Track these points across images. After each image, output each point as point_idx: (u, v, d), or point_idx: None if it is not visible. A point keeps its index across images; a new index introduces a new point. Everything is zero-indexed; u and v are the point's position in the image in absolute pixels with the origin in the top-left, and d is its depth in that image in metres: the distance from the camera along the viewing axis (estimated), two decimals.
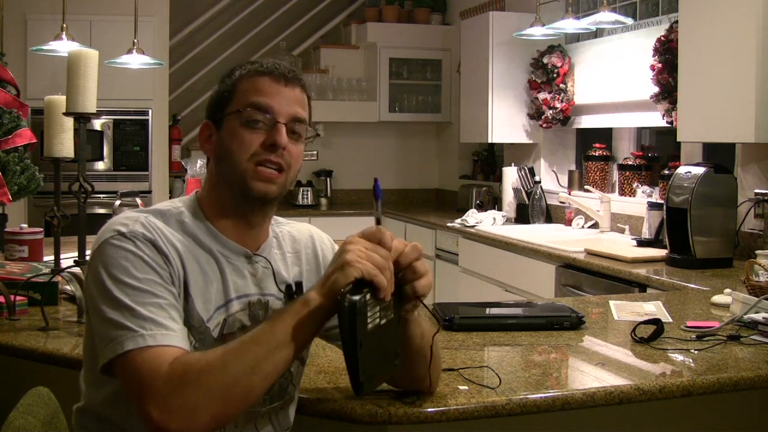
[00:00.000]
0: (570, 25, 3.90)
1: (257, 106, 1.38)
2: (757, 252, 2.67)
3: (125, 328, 1.22)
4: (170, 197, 5.67)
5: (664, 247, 3.51)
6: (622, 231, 4.30)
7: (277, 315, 1.26)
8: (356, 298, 1.19)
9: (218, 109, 1.42)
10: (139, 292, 1.25)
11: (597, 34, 4.83)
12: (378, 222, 1.29)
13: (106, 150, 5.62)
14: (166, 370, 1.19)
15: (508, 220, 5.05)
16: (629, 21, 3.81)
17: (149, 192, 5.65)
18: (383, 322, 1.25)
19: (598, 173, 4.65)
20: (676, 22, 3.64)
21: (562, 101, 4.96)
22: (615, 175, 4.59)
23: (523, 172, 5.15)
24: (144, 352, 1.20)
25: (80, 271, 2.17)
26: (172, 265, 1.31)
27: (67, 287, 2.32)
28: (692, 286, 2.91)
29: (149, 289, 1.26)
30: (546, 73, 5.03)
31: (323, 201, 6.37)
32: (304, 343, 1.27)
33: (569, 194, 4.79)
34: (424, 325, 1.43)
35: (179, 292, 1.31)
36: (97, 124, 5.56)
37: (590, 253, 3.65)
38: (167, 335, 1.23)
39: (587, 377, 1.80)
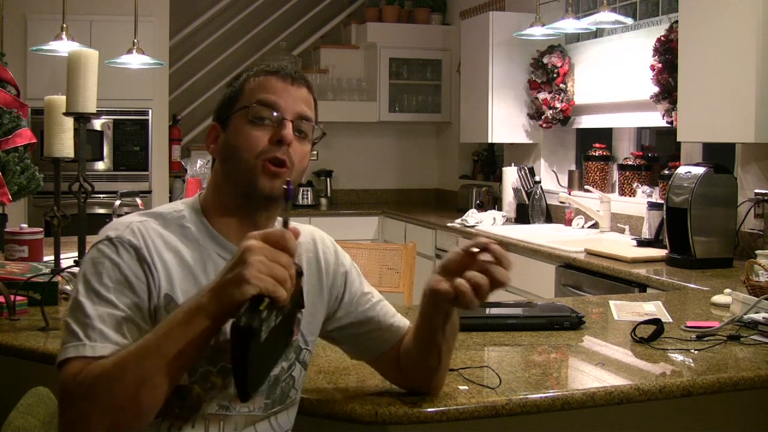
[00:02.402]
0: (570, 25, 3.90)
1: (264, 102, 1.38)
2: (757, 252, 2.67)
3: (74, 335, 1.23)
4: (170, 197, 5.67)
5: (664, 247, 3.50)
6: (622, 231, 4.29)
7: (166, 324, 1.19)
8: (253, 323, 1.09)
9: (226, 109, 1.42)
10: (102, 301, 1.25)
11: (597, 34, 4.83)
12: (285, 224, 1.20)
13: (106, 150, 5.62)
14: (75, 381, 1.19)
15: (508, 220, 5.05)
16: (629, 21, 3.81)
17: (149, 192, 5.64)
18: (278, 320, 1.17)
19: (598, 173, 4.65)
20: (676, 22, 3.64)
21: (562, 101, 4.96)
22: (615, 175, 4.59)
23: (523, 172, 5.15)
24: (77, 362, 1.20)
25: None
26: (153, 274, 1.29)
27: (67, 287, 2.32)
28: (692, 286, 2.91)
29: (112, 300, 1.25)
30: (546, 73, 5.03)
31: (323, 201, 6.37)
32: (195, 354, 1.20)
33: (569, 194, 4.79)
34: (456, 327, 1.46)
35: (156, 304, 1.29)
36: (97, 124, 5.56)
37: (590, 253, 3.65)
38: (106, 348, 1.22)
39: (587, 377, 1.80)
